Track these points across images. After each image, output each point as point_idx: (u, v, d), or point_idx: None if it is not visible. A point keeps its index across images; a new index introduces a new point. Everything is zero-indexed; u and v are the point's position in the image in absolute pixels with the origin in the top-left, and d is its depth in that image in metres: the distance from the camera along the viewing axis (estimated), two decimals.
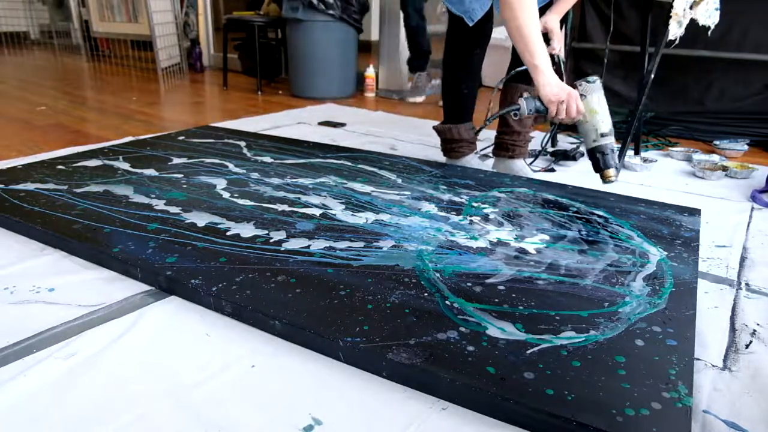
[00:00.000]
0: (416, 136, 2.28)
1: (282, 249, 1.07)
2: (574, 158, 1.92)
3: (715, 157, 1.99)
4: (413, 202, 1.35)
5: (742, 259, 1.21)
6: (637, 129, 1.96)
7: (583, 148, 2.04)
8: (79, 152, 1.75)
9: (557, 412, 0.66)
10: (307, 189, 1.42)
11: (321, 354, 0.81)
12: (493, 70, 3.02)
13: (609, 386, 0.71)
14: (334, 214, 1.26)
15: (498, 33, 2.09)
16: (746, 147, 2.11)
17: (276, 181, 1.48)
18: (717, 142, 2.15)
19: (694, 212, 1.37)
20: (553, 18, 1.54)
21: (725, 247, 1.26)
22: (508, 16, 1.27)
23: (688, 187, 1.70)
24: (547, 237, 1.18)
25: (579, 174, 1.79)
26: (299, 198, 1.35)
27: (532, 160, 1.89)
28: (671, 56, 2.19)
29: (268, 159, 1.70)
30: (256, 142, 1.92)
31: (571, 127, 1.36)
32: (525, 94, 1.32)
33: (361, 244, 1.11)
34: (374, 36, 3.81)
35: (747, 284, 1.09)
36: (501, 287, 0.95)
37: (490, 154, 1.85)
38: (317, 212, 1.27)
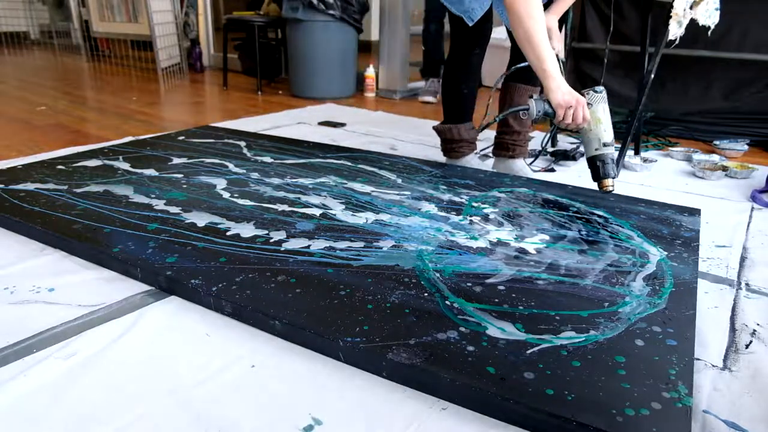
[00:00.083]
0: (416, 136, 2.28)
1: (282, 249, 1.07)
2: (574, 158, 1.92)
3: (715, 157, 1.99)
4: (413, 202, 1.35)
5: (742, 259, 1.21)
6: (637, 129, 1.96)
7: (583, 149, 2.05)
8: (79, 152, 1.74)
9: (557, 412, 0.66)
10: (307, 189, 1.42)
11: (321, 354, 0.81)
12: (493, 70, 3.02)
13: (609, 386, 0.71)
14: (334, 214, 1.26)
15: (498, 33, 2.09)
16: (746, 147, 2.11)
17: (276, 181, 1.48)
18: (717, 142, 2.15)
19: (694, 212, 1.37)
20: (552, 18, 1.53)
21: (725, 247, 1.26)
22: (515, 23, 1.28)
23: (688, 187, 1.70)
24: (547, 237, 1.18)
25: (579, 174, 1.79)
26: (299, 198, 1.36)
27: (532, 160, 1.89)
28: (671, 56, 2.19)
29: (268, 159, 1.70)
30: (256, 142, 1.92)
31: (573, 130, 1.38)
32: (534, 96, 1.33)
33: (361, 244, 1.11)
34: (374, 36, 3.81)
35: (747, 284, 1.09)
36: (501, 287, 0.95)
37: (490, 154, 1.85)
38: (317, 212, 1.27)
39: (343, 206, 1.31)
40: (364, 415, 0.70)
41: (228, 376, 0.77)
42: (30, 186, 1.39)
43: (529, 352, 0.77)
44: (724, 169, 1.81)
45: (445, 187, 1.47)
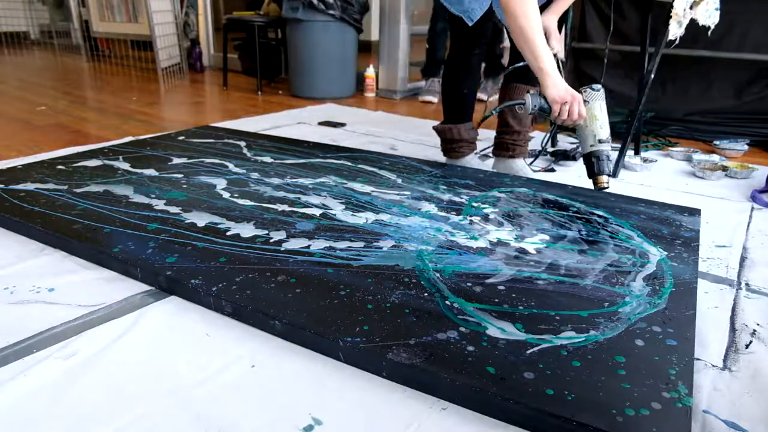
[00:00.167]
0: (416, 136, 2.28)
1: (282, 249, 1.07)
2: (574, 158, 1.92)
3: (715, 157, 1.99)
4: (413, 202, 1.35)
5: (742, 259, 1.21)
6: (637, 129, 1.96)
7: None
8: (79, 152, 1.75)
9: (557, 412, 0.66)
10: (307, 189, 1.42)
11: (321, 354, 0.81)
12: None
13: (609, 386, 0.71)
14: (334, 214, 1.26)
15: None
16: (746, 147, 2.11)
17: (276, 181, 1.48)
18: (717, 142, 2.15)
19: (694, 212, 1.37)
20: (551, 18, 1.53)
21: (725, 247, 1.26)
22: (511, 22, 1.30)
23: (688, 187, 1.70)
24: (547, 237, 1.18)
25: (579, 174, 1.79)
26: (299, 198, 1.36)
27: (532, 160, 1.89)
28: (671, 56, 2.19)
29: (268, 159, 1.70)
30: (256, 142, 1.92)
31: (571, 128, 1.39)
32: (531, 91, 1.35)
33: (361, 244, 1.11)
34: (374, 36, 3.81)
35: (747, 284, 1.09)
36: (501, 287, 0.95)
37: (490, 154, 1.85)
38: (317, 212, 1.27)
39: (343, 206, 1.31)
40: (364, 415, 0.70)
41: (228, 376, 0.77)
42: (30, 186, 1.39)
43: (529, 352, 0.77)
44: (724, 169, 1.81)
45: (445, 187, 1.47)
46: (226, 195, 1.36)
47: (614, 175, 1.78)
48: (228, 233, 1.14)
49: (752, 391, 0.77)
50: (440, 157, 1.83)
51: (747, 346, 0.88)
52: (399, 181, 1.52)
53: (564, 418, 0.65)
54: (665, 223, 1.28)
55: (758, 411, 0.74)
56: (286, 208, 1.29)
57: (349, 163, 1.67)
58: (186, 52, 4.18)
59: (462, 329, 0.82)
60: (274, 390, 0.74)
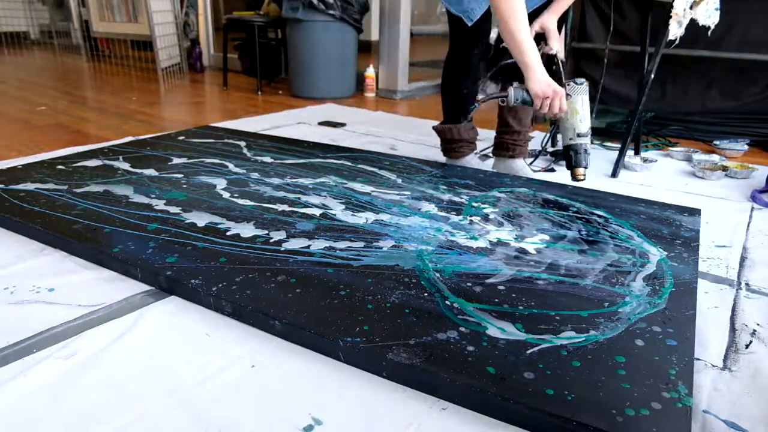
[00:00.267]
0: (416, 136, 2.28)
1: (282, 249, 1.07)
2: None
3: (715, 157, 1.99)
4: (413, 202, 1.35)
5: (742, 259, 1.21)
6: (637, 129, 1.96)
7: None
8: (79, 152, 1.75)
9: (557, 412, 0.66)
10: (307, 189, 1.42)
11: (321, 354, 0.81)
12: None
13: (609, 386, 0.71)
14: (334, 214, 1.26)
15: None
16: (746, 147, 2.11)
17: (276, 181, 1.48)
18: (717, 142, 2.15)
19: (694, 212, 1.37)
20: (551, 18, 1.53)
21: (725, 247, 1.26)
22: (498, 16, 1.33)
23: (688, 187, 1.70)
24: (547, 237, 1.18)
25: None
26: (299, 198, 1.36)
27: (532, 160, 1.89)
28: (671, 56, 2.19)
29: (268, 159, 1.70)
30: (256, 142, 1.92)
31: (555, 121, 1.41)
32: (515, 84, 1.36)
33: (361, 244, 1.11)
34: (374, 36, 3.81)
35: (747, 284, 1.09)
36: (501, 287, 0.95)
37: (490, 154, 1.85)
38: (317, 212, 1.27)
39: (343, 206, 1.31)
40: (364, 415, 0.70)
41: (228, 376, 0.77)
42: (30, 186, 1.39)
43: (529, 352, 0.77)
44: (724, 169, 1.81)
45: (445, 187, 1.47)
46: (226, 195, 1.36)
47: (614, 175, 1.78)
48: (228, 233, 1.14)
49: (752, 391, 0.77)
50: (440, 157, 1.83)
51: (747, 346, 0.88)
52: (399, 181, 1.52)
53: (564, 418, 0.65)
54: (665, 223, 1.28)
55: (758, 411, 0.74)
56: (286, 208, 1.29)
57: (349, 163, 1.67)
58: (186, 52, 4.18)
59: (462, 329, 0.82)
60: (274, 390, 0.74)
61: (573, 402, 0.68)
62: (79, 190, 1.37)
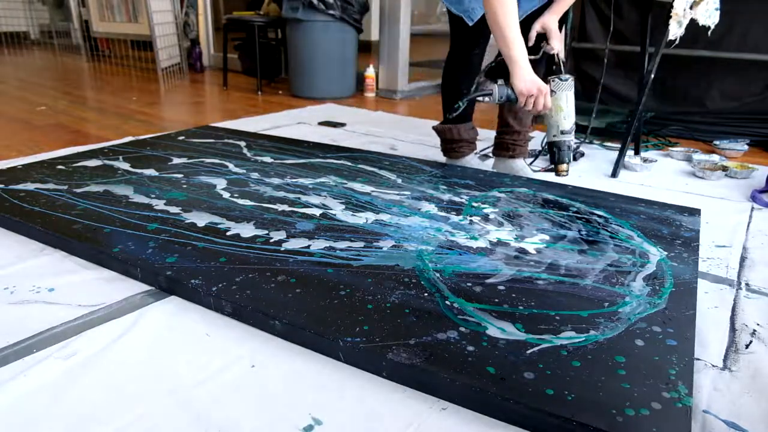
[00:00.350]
0: (416, 136, 2.28)
1: (282, 249, 1.07)
2: (574, 158, 1.92)
3: (715, 157, 1.99)
4: (413, 202, 1.35)
5: (742, 259, 1.21)
6: (637, 129, 1.96)
7: (582, 148, 2.05)
8: (79, 152, 1.75)
9: (557, 412, 0.66)
10: (307, 189, 1.42)
11: (321, 354, 0.81)
12: None
13: (609, 386, 0.71)
14: (334, 214, 1.26)
15: None
16: (746, 147, 2.11)
17: (276, 181, 1.48)
18: (717, 142, 2.15)
19: (694, 212, 1.37)
20: (552, 18, 1.53)
21: (725, 247, 1.26)
22: (487, 13, 1.34)
23: (688, 187, 1.70)
24: (547, 237, 1.18)
25: (579, 174, 1.79)
26: (299, 198, 1.36)
27: (532, 160, 1.89)
28: (671, 56, 2.19)
29: (268, 159, 1.70)
30: (256, 142, 1.92)
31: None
32: (500, 81, 1.37)
33: (361, 244, 1.11)
34: (374, 36, 3.81)
35: (747, 284, 1.09)
36: (501, 287, 0.95)
37: (490, 154, 1.85)
38: (317, 212, 1.27)
39: (343, 206, 1.31)
40: (364, 415, 0.70)
41: (228, 376, 0.77)
42: (30, 186, 1.39)
43: (529, 352, 0.77)
44: (724, 169, 1.81)
45: (445, 187, 1.47)
46: (226, 195, 1.36)
47: (614, 175, 1.78)
48: (228, 233, 1.14)
49: (752, 391, 0.77)
50: (440, 157, 1.83)
51: (747, 346, 0.88)
52: (399, 181, 1.52)
53: (564, 418, 0.65)
54: (665, 223, 1.28)
55: (758, 411, 0.74)
56: (286, 208, 1.29)
57: (349, 163, 1.67)
58: (186, 52, 4.18)
59: (462, 329, 0.82)
60: (274, 390, 0.74)
61: (573, 402, 0.68)
62: (79, 190, 1.37)
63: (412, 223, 1.22)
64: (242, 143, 1.89)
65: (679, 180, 1.78)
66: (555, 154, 1.43)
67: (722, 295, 1.04)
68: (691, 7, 1.68)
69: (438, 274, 0.99)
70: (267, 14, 3.50)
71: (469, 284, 0.96)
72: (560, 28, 1.59)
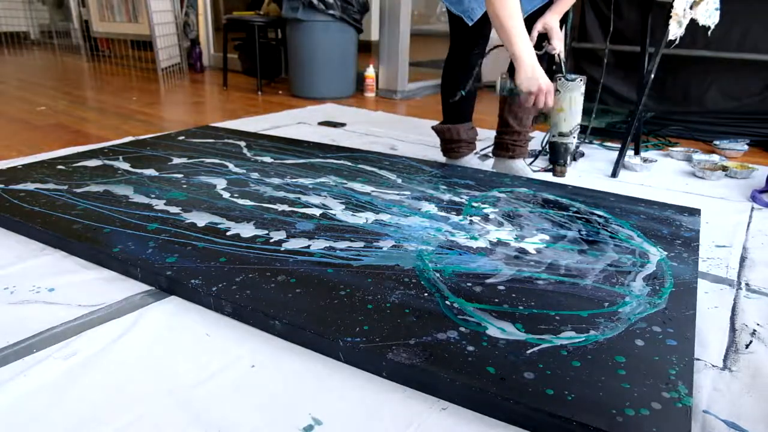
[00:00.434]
0: (416, 136, 2.28)
1: (282, 249, 1.07)
2: (574, 158, 1.92)
3: (715, 157, 1.99)
4: (413, 202, 1.35)
5: (742, 259, 1.21)
6: (637, 129, 1.96)
7: (582, 148, 2.05)
8: (79, 152, 1.75)
9: (557, 412, 0.66)
10: (307, 189, 1.42)
11: (321, 354, 0.81)
12: (492, 70, 3.01)
13: (609, 386, 0.71)
14: (334, 214, 1.26)
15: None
16: (746, 147, 2.11)
17: (276, 181, 1.48)
18: (717, 142, 2.15)
19: (694, 212, 1.37)
20: (553, 18, 1.54)
21: (725, 247, 1.26)
22: (489, 10, 1.34)
23: (688, 187, 1.70)
24: (547, 237, 1.18)
25: (579, 174, 1.79)
26: (299, 198, 1.36)
27: (532, 160, 1.89)
28: (671, 56, 2.19)
29: (268, 159, 1.70)
30: (256, 142, 1.92)
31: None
32: (504, 75, 1.36)
33: (361, 244, 1.11)
34: (374, 36, 3.81)
35: (747, 284, 1.09)
36: (501, 287, 0.95)
37: (490, 154, 1.85)
38: (317, 212, 1.27)
39: (343, 206, 1.31)
40: (364, 415, 0.70)
41: (228, 376, 0.77)
42: (30, 186, 1.39)
43: (529, 352, 0.77)
44: (724, 169, 1.81)
45: (445, 187, 1.47)
46: (226, 195, 1.36)
47: (614, 175, 1.78)
48: (228, 233, 1.14)
49: (752, 391, 0.77)
50: (440, 157, 1.83)
51: (747, 346, 0.88)
52: (399, 181, 1.52)
53: (564, 418, 0.65)
54: (665, 223, 1.28)
55: (758, 411, 0.74)
56: (286, 208, 1.29)
57: (349, 163, 1.67)
58: (186, 52, 4.18)
59: (462, 329, 0.82)
60: (274, 390, 0.74)
61: (573, 402, 0.68)
62: (79, 190, 1.37)
63: (412, 223, 1.22)
64: (242, 143, 1.89)
65: (679, 180, 1.78)
66: (551, 153, 1.44)
67: (722, 295, 1.04)
68: (691, 7, 1.68)
69: (438, 274, 0.99)
70: (267, 14, 3.50)
71: (469, 284, 0.96)
72: (560, 28, 1.59)
